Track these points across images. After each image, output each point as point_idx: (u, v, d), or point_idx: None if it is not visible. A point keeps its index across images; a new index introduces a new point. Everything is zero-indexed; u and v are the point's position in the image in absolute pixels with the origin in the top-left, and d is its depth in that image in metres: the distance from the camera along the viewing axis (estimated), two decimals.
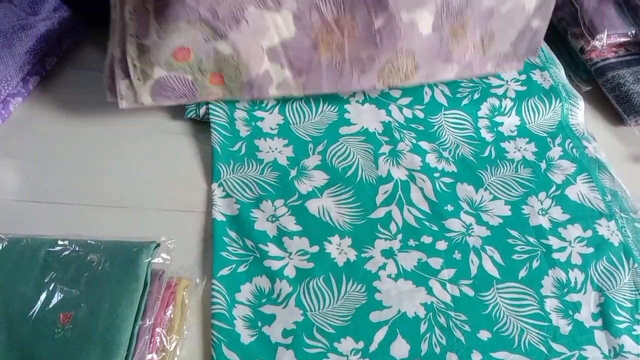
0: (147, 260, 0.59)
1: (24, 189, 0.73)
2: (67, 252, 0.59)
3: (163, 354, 0.58)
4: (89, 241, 0.61)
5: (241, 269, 0.66)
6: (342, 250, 0.68)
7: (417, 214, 0.72)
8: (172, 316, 0.60)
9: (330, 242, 0.69)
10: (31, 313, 0.55)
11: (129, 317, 0.55)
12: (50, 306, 0.55)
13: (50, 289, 0.56)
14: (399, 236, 0.70)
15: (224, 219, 0.70)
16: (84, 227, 0.65)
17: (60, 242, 0.60)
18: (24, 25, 0.81)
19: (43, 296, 0.56)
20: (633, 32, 0.90)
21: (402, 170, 0.75)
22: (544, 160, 0.79)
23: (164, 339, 0.58)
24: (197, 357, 0.61)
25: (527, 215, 0.73)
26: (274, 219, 0.70)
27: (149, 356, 0.57)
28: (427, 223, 0.71)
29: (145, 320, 0.57)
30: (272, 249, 0.67)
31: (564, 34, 0.94)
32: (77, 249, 0.59)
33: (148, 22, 0.67)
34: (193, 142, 0.79)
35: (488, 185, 0.75)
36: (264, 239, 0.68)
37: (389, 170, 0.75)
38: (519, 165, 0.78)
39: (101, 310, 0.55)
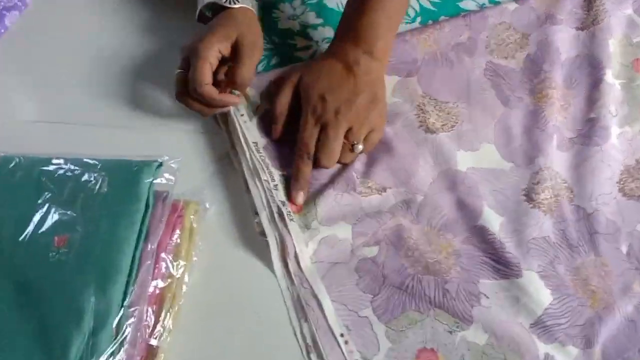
0: (148, 180, 0.54)
1: (20, 107, 0.67)
2: (61, 171, 0.54)
3: (169, 280, 0.54)
4: (85, 160, 0.55)
5: (273, 61, 0.70)
6: None
7: None
8: (178, 241, 0.56)
9: None
10: (24, 235, 0.50)
11: (129, 238, 0.51)
12: (44, 228, 0.51)
13: (44, 210, 0.52)
14: (418, 19, 0.75)
15: None
16: (84, 148, 0.60)
17: (54, 161, 0.55)
18: None
19: (36, 218, 0.51)
20: None
21: None
22: None
23: (169, 265, 0.54)
24: (206, 285, 0.56)
25: None
26: (295, 17, 0.74)
27: (154, 282, 0.52)
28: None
29: (147, 244, 0.52)
30: (299, 42, 0.72)
31: None
32: (72, 167, 0.54)
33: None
34: None
35: None
36: (290, 35, 0.72)
37: None
38: None
39: (99, 233, 0.51)
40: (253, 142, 0.63)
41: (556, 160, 0.64)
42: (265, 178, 0.60)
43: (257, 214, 0.59)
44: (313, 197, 0.60)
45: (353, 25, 0.63)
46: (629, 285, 0.58)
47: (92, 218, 0.51)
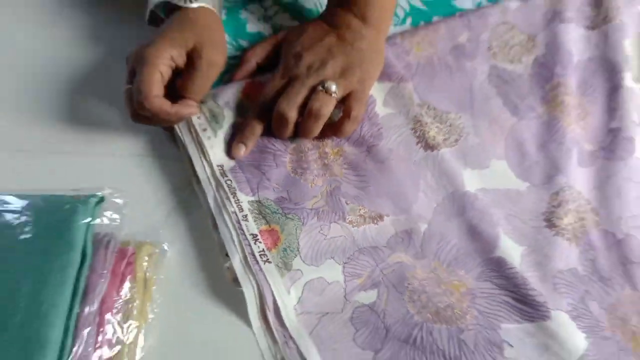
0: (85, 221, 0.42)
1: None
2: None
3: (118, 347, 0.42)
4: (2, 196, 0.43)
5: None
6: None
7: None
8: (128, 296, 0.44)
9: None
10: None
11: (60, 302, 0.39)
12: None
13: None
14: (408, 20, 0.64)
15: None
16: (8, 180, 0.48)
17: None
18: None
19: None
20: None
21: None
22: None
23: (117, 329, 0.42)
24: (167, 348, 0.44)
25: None
26: (266, 19, 0.63)
27: (97, 352, 0.41)
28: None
29: (85, 307, 0.40)
30: None
31: None
32: None
33: None
34: None
35: None
36: (260, 39, 0.60)
37: None
38: None
39: (19, 294, 0.39)
40: (218, 166, 0.52)
41: (578, 178, 0.55)
42: (233, 209, 0.49)
43: (227, 256, 0.48)
44: (293, 228, 0.50)
45: None
46: None
47: (10, 275, 0.39)
